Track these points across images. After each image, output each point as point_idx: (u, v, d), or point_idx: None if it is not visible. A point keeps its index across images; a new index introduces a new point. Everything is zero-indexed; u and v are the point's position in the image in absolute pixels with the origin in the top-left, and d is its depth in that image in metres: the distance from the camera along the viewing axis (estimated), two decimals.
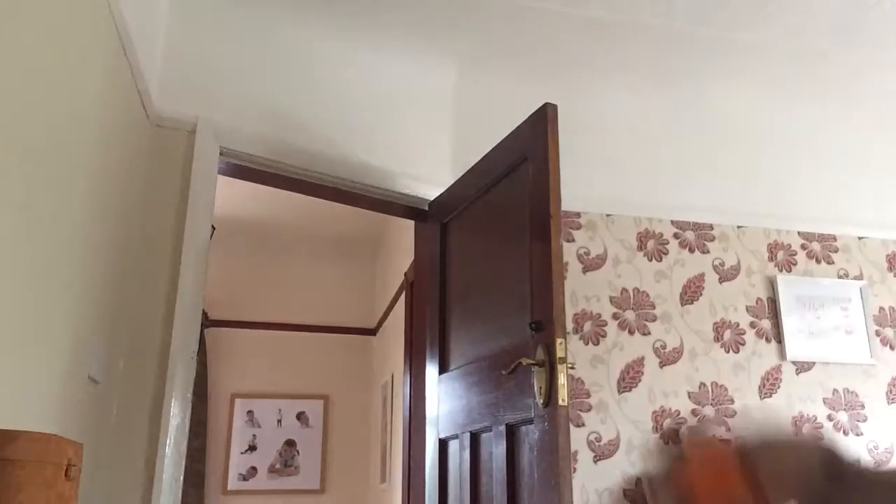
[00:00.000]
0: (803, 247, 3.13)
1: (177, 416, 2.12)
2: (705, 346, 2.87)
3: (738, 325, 2.94)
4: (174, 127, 2.34)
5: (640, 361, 2.78)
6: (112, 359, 2.03)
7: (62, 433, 1.62)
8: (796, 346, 2.95)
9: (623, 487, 2.62)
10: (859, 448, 2.89)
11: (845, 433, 2.89)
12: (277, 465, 4.92)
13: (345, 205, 2.83)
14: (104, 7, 1.76)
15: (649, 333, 2.83)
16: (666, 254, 2.96)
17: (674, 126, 3.14)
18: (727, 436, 2.59)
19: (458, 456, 2.37)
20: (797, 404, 2.88)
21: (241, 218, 4.73)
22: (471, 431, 2.30)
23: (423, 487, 2.57)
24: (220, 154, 2.41)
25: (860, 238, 3.21)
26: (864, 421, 2.93)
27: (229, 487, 4.80)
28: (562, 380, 1.88)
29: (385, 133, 2.74)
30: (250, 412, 4.95)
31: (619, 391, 2.72)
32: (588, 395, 2.69)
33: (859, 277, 3.14)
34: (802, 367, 2.94)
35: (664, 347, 2.82)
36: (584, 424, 2.65)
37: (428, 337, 2.67)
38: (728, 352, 2.89)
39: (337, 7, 2.61)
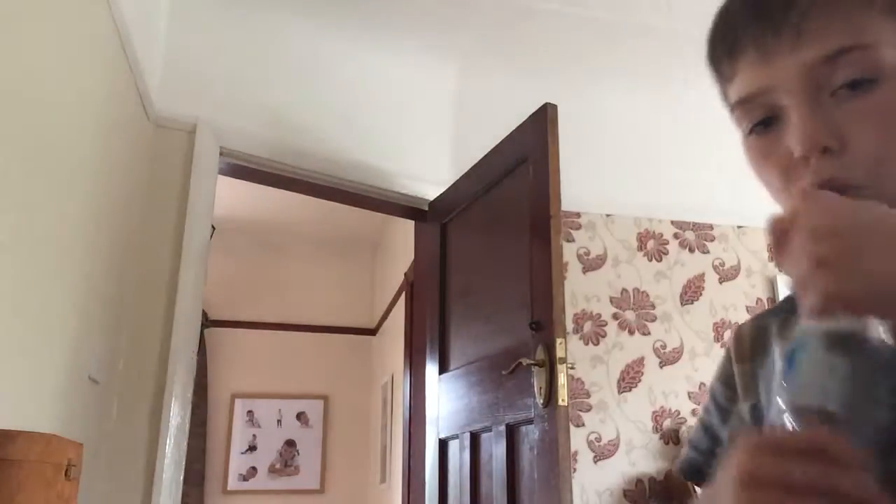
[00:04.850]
0: None
1: (177, 416, 2.12)
2: (705, 346, 2.87)
3: (738, 325, 2.92)
4: (174, 127, 2.34)
5: (640, 361, 2.78)
6: (112, 359, 2.03)
7: (62, 433, 1.62)
8: None
9: (623, 487, 2.62)
10: None
11: None
12: (277, 465, 4.92)
13: (345, 205, 2.83)
14: (104, 7, 1.76)
15: (649, 333, 2.82)
16: (666, 254, 2.96)
17: (674, 126, 3.14)
18: None
19: (459, 456, 2.37)
20: None
21: (241, 218, 4.73)
22: (471, 431, 2.30)
23: (423, 487, 2.57)
24: (220, 154, 2.41)
25: None
26: None
27: (229, 487, 4.80)
28: (562, 380, 1.88)
29: (385, 133, 2.74)
30: (250, 412, 4.95)
31: (618, 391, 2.72)
32: (588, 395, 2.69)
33: None
34: None
35: (664, 347, 2.82)
36: (584, 424, 2.65)
37: (428, 337, 2.67)
38: None
39: (337, 7, 2.61)
